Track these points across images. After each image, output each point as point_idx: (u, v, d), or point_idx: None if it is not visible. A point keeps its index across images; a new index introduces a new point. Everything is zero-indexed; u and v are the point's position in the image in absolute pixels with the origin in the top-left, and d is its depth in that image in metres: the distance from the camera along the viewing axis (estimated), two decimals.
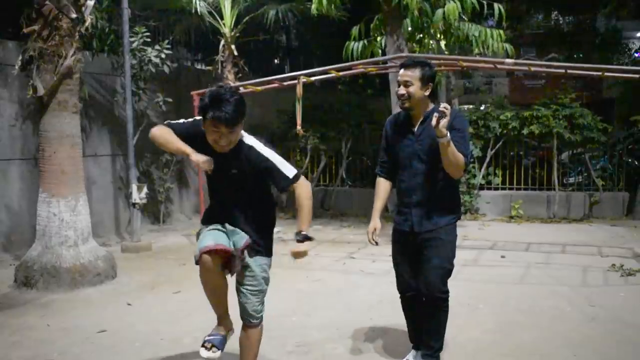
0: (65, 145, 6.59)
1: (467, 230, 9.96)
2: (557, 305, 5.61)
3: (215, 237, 3.41)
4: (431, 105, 3.84)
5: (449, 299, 3.88)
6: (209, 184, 3.63)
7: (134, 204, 8.50)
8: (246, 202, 3.53)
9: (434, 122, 3.48)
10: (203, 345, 3.59)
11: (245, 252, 3.48)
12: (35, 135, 7.65)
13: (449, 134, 3.51)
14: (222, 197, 3.59)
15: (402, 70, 3.82)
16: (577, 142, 11.34)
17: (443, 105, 3.50)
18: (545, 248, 8.47)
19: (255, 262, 3.54)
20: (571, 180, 12.04)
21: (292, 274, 7.00)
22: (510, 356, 4.35)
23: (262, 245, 3.59)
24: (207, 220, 3.63)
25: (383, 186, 4.09)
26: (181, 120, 3.55)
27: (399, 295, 4.10)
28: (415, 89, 3.74)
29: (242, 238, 3.46)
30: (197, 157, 3.31)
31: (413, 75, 3.74)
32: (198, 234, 3.61)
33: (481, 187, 11.86)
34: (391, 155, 4.02)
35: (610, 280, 6.66)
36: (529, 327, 5.00)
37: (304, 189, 3.47)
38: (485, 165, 11.75)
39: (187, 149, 3.34)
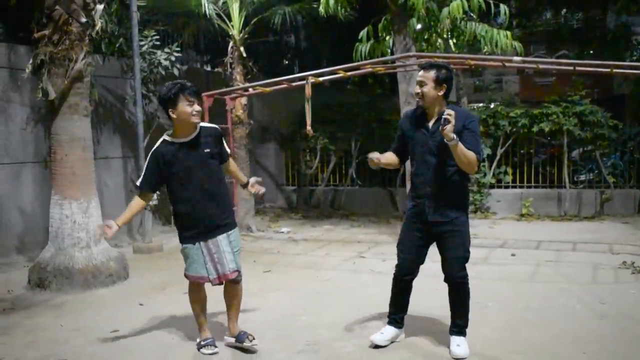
0: (76, 148, 6.66)
1: (477, 229, 9.94)
2: (567, 303, 5.61)
3: (205, 267, 4.30)
4: (445, 106, 4.15)
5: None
6: (180, 183, 4.27)
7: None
8: (215, 182, 4.34)
9: (442, 127, 3.86)
10: (203, 347, 4.47)
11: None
12: (47, 138, 7.73)
13: (455, 137, 3.88)
14: (196, 188, 4.26)
15: (420, 72, 4.21)
16: (588, 140, 11.30)
17: (447, 112, 3.87)
18: (556, 246, 8.45)
19: (235, 234, 4.42)
20: (582, 177, 11.98)
21: (303, 273, 7.05)
22: (519, 354, 4.36)
23: (233, 218, 4.49)
24: (187, 228, 4.35)
25: (389, 153, 4.52)
26: (144, 169, 4.36)
27: (394, 276, 4.52)
28: (428, 88, 4.12)
29: (229, 262, 4.32)
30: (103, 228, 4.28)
31: (427, 76, 4.13)
32: (179, 234, 4.41)
33: (491, 186, 11.83)
34: (405, 144, 4.40)
35: (621, 277, 6.64)
36: (538, 324, 5.00)
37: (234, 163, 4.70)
38: (495, 163, 11.73)
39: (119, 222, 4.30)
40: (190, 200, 4.27)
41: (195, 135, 4.26)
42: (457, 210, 4.22)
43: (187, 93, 4.12)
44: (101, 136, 9.37)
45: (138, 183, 4.37)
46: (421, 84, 4.14)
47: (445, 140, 3.91)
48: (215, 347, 4.46)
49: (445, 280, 4.34)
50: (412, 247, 4.37)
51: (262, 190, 4.73)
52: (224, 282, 4.38)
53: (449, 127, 3.83)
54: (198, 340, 4.58)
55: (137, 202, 4.41)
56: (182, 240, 4.38)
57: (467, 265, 4.33)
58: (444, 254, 4.28)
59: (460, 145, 3.92)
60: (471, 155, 3.97)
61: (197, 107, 4.17)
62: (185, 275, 4.43)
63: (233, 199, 9.77)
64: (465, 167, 4.04)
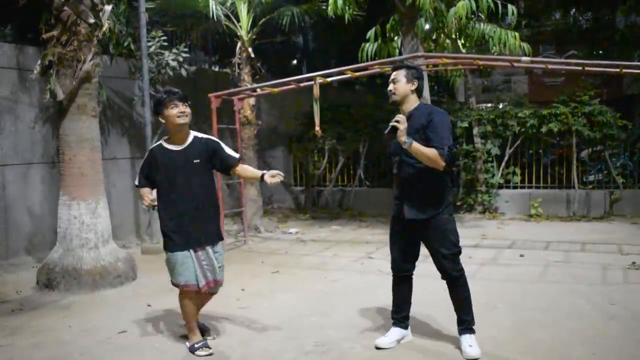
0: (84, 149, 6.68)
1: (486, 230, 9.92)
2: (576, 304, 5.58)
3: (195, 275, 4.36)
4: (416, 103, 4.32)
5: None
6: (166, 189, 4.44)
7: (153, 206, 8.55)
8: (205, 190, 4.44)
9: (386, 132, 4.01)
10: (197, 350, 4.46)
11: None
12: (55, 139, 7.75)
13: (407, 140, 3.99)
14: (181, 197, 4.38)
15: (392, 72, 4.40)
16: (597, 140, 11.25)
17: (396, 117, 4.01)
18: (565, 246, 8.41)
19: (219, 249, 4.54)
20: (591, 178, 11.92)
21: (311, 274, 7.04)
22: (528, 354, 4.33)
23: (219, 232, 4.59)
24: (176, 234, 4.40)
25: None
26: (140, 167, 4.57)
27: (392, 274, 4.63)
28: (401, 84, 4.29)
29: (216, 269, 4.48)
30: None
31: (399, 72, 4.33)
32: (166, 241, 4.46)
33: (500, 186, 11.80)
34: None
35: (630, 278, 6.60)
36: (547, 325, 4.97)
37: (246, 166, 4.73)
38: (504, 163, 11.70)
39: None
40: (175, 207, 4.41)
41: (187, 145, 4.42)
42: (435, 207, 4.26)
43: (170, 97, 4.30)
44: (109, 137, 9.40)
45: (136, 182, 4.61)
46: (394, 81, 4.32)
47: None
48: (210, 348, 4.50)
49: (442, 277, 4.42)
50: (400, 244, 4.48)
51: (280, 177, 4.47)
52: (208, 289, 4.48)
53: (398, 133, 3.96)
54: (189, 344, 4.56)
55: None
56: (170, 247, 4.41)
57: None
58: (432, 253, 4.36)
59: (415, 145, 4.00)
60: (430, 152, 4.03)
61: (181, 109, 4.31)
62: (174, 284, 4.48)
63: (241, 199, 9.79)
64: (430, 164, 4.09)
